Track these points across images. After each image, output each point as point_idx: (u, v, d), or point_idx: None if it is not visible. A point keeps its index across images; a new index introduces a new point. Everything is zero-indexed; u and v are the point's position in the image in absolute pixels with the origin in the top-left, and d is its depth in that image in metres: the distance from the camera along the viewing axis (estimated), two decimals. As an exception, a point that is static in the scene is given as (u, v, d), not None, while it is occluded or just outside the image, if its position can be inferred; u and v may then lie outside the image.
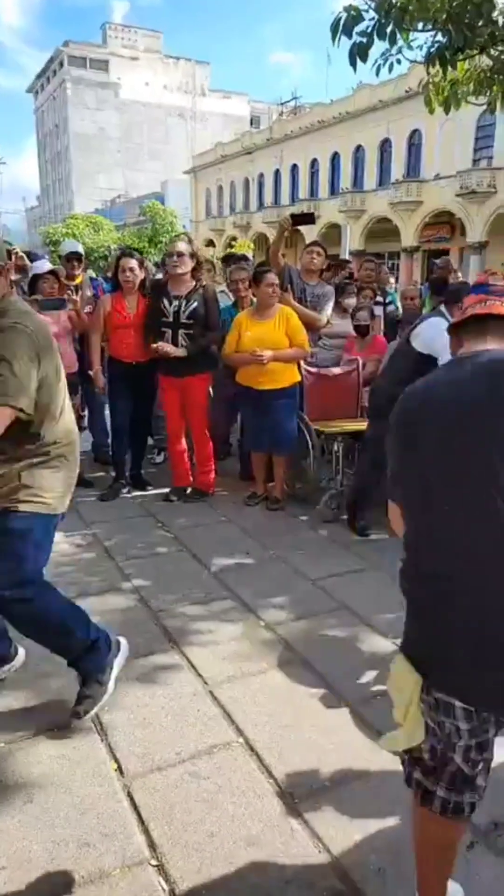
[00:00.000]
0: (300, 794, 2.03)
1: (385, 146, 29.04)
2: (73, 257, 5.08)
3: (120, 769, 2.12)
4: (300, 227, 4.87)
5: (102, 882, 1.74)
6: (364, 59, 5.14)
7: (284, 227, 4.81)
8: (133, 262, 4.50)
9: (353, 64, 5.16)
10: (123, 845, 1.85)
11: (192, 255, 4.40)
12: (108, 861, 1.79)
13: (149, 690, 2.52)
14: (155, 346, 4.34)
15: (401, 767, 1.63)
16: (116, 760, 2.16)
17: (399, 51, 5.40)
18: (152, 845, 1.85)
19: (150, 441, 5.46)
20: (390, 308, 6.22)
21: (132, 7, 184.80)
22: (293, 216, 4.87)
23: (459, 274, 7.31)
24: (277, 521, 4.31)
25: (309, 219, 4.87)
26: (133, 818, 1.94)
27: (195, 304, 4.34)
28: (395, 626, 2.99)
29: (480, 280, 1.68)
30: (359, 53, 5.10)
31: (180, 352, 4.34)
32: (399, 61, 5.46)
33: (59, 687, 2.50)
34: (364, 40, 5.08)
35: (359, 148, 30.43)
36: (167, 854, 1.82)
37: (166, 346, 4.33)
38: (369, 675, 2.64)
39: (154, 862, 1.80)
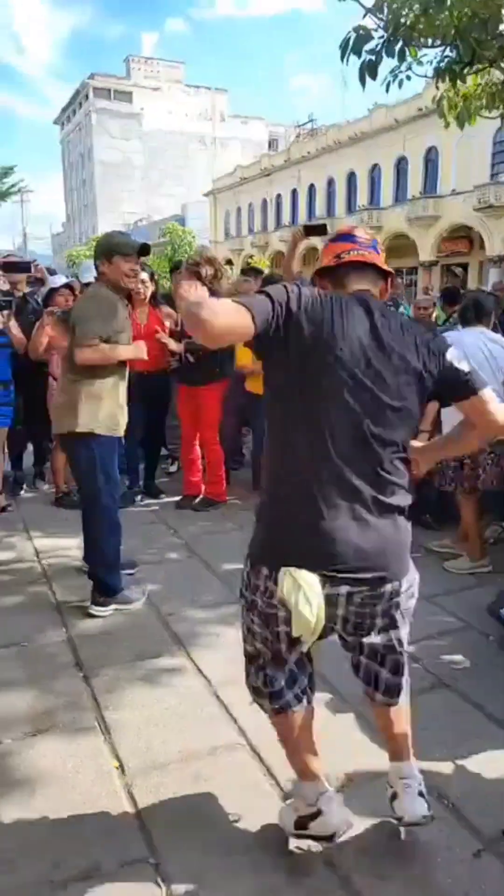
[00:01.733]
0: (303, 795, 2.00)
1: (401, 164, 29.23)
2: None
3: (122, 768, 2.11)
4: (314, 240, 4.95)
5: (101, 879, 1.72)
6: (374, 77, 5.22)
7: (297, 238, 4.83)
8: (144, 276, 4.58)
9: (362, 81, 5.24)
10: (123, 843, 1.83)
11: (196, 272, 4.47)
12: (107, 858, 1.78)
13: (154, 691, 2.51)
14: (157, 335, 4.44)
15: None
16: (119, 759, 2.15)
17: (409, 67, 5.48)
18: (151, 844, 1.83)
19: (164, 451, 5.51)
20: (403, 319, 6.21)
21: (161, 37, 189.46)
22: (305, 227, 4.89)
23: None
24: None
25: (321, 230, 4.90)
26: (133, 817, 1.93)
27: None
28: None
29: (346, 230, 1.82)
30: (368, 71, 5.18)
31: (172, 343, 4.47)
32: (409, 77, 5.54)
33: (62, 686, 2.51)
34: (373, 58, 5.17)
35: (375, 166, 30.68)
36: (166, 853, 1.80)
37: (163, 337, 4.50)
38: (377, 679, 2.59)
39: (152, 861, 1.78)
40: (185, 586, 3.41)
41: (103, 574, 3.12)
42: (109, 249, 3.04)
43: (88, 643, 2.88)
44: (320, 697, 2.45)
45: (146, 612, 3.15)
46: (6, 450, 4.78)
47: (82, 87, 66.19)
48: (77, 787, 2.02)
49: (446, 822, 1.89)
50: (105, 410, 3.05)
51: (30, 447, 5.43)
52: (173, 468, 5.67)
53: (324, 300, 1.57)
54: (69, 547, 3.88)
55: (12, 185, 14.99)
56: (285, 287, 1.58)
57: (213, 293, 4.50)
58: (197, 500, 4.74)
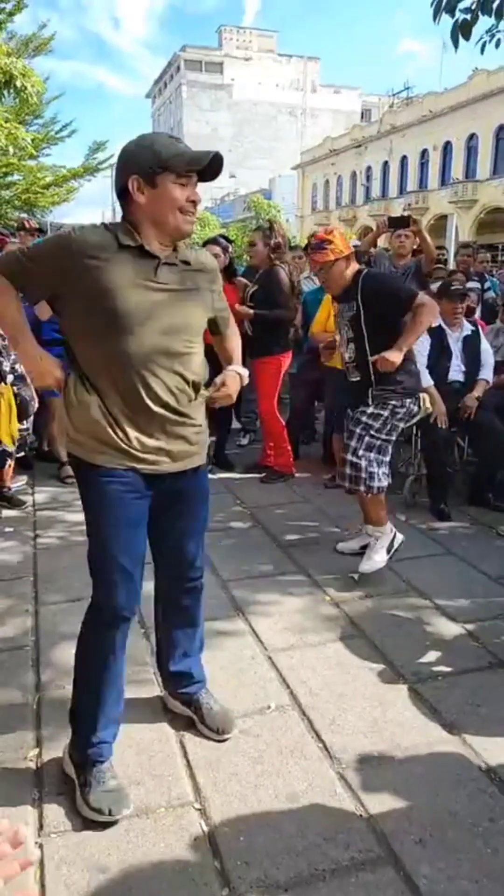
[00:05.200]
0: (347, 760, 2.03)
1: (501, 133, 27.69)
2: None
3: (175, 720, 2.21)
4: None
5: (148, 817, 1.82)
6: (467, 37, 4.94)
7: (381, 228, 4.98)
8: (217, 248, 4.62)
9: (455, 42, 4.97)
10: (171, 787, 1.93)
11: (266, 242, 4.47)
12: (154, 799, 1.88)
13: (209, 652, 2.56)
14: (238, 308, 4.47)
15: (452, 747, 1.61)
16: (170, 711, 2.24)
17: (507, 26, 5.17)
18: (197, 790, 1.92)
19: (237, 424, 5.58)
20: (489, 294, 5.98)
21: (263, 6, 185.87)
22: (390, 219, 5.00)
23: None
24: (355, 505, 4.25)
25: (405, 222, 4.99)
26: (183, 764, 2.02)
27: (255, 287, 4.47)
28: (464, 611, 2.91)
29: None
30: (462, 31, 4.93)
31: (245, 311, 4.43)
32: (507, 37, 5.23)
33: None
34: (468, 17, 4.91)
35: (472, 136, 29.22)
36: (210, 799, 1.88)
37: (239, 308, 4.43)
38: (431, 656, 2.57)
39: (197, 805, 1.87)
40: (246, 554, 3.48)
41: None
42: (156, 161, 1.68)
43: (148, 603, 2.99)
44: (374, 668, 2.48)
45: (206, 576, 3.24)
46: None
47: (174, 60, 66.43)
48: (132, 733, 2.13)
49: (491, 795, 1.88)
50: None
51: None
52: (245, 441, 5.74)
53: None
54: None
55: (102, 161, 15.24)
56: None
57: (276, 262, 4.55)
58: (264, 472, 4.79)
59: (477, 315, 5.36)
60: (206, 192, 58.69)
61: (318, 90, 67.71)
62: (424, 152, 32.56)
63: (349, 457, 3.13)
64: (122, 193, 1.75)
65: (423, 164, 32.81)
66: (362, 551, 3.33)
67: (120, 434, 1.77)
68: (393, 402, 3.12)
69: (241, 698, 2.31)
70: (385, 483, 3.20)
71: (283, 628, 2.78)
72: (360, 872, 1.65)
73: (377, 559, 3.19)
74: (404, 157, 34.17)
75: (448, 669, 2.49)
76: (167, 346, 1.76)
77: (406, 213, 4.83)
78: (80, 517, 1.95)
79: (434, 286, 4.95)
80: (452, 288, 4.25)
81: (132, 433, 1.78)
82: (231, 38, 67.20)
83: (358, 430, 3.13)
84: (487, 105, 27.43)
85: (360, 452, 3.11)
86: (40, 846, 1.72)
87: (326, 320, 4.41)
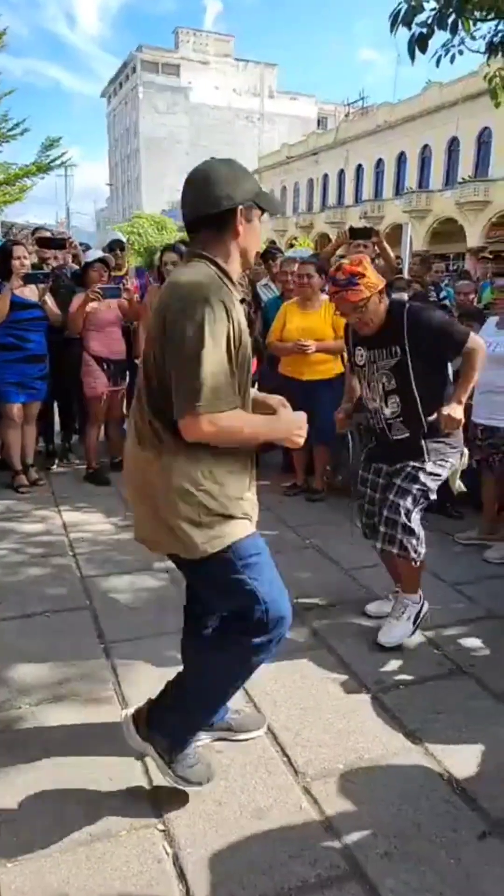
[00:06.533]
0: (312, 773, 2.02)
1: (453, 145, 28.42)
2: (116, 245, 5.29)
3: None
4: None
5: (109, 841, 1.77)
6: (423, 51, 5.06)
7: (341, 240, 4.99)
8: (174, 256, 4.59)
9: (411, 55, 5.09)
10: (133, 808, 1.88)
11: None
12: (116, 822, 1.83)
13: (172, 667, 2.54)
14: None
15: (415, 756, 1.67)
16: (133, 728, 2.19)
17: (461, 41, 5.30)
18: (160, 810, 1.87)
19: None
20: (443, 303, 6.09)
21: (225, 8, 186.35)
22: (352, 230, 4.98)
23: None
24: (316, 512, 4.29)
25: (367, 233, 5.00)
26: (144, 783, 1.97)
27: None
28: (426, 616, 2.93)
29: (331, 272, 2.62)
30: (418, 44, 5.03)
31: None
32: (461, 52, 5.36)
33: (82, 656, 2.57)
34: (424, 31, 5.01)
35: (426, 147, 29.90)
36: (174, 819, 1.84)
37: None
38: (393, 665, 2.59)
39: (161, 826, 1.82)
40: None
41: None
42: (256, 194, 1.66)
43: (111, 615, 2.94)
44: (337, 678, 2.48)
45: (169, 586, 3.20)
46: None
47: (130, 60, 65.87)
48: (91, 752, 2.08)
49: (454, 805, 1.90)
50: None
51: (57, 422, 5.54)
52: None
53: None
54: (95, 522, 3.99)
55: (55, 159, 14.94)
56: None
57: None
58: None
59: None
60: (162, 195, 58.59)
61: (276, 96, 68.22)
62: (380, 162, 33.16)
63: (401, 519, 2.59)
64: (215, 218, 1.62)
65: (379, 174, 33.40)
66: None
67: None
68: (451, 460, 2.71)
69: (204, 713, 2.28)
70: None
71: (245, 639, 2.75)
72: (326, 889, 1.64)
73: (399, 633, 2.72)
74: (360, 166, 34.72)
75: (409, 678, 2.51)
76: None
77: (368, 225, 4.88)
78: (38, 527, 1.90)
79: (396, 295, 5.03)
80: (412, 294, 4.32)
81: None
82: (188, 41, 67.07)
83: (415, 491, 2.62)
84: (440, 117, 28.12)
85: (414, 516, 2.62)
86: (-3, 877, 1.65)
87: (282, 330, 4.42)
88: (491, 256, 7.81)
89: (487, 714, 2.31)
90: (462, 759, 2.08)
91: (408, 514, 2.60)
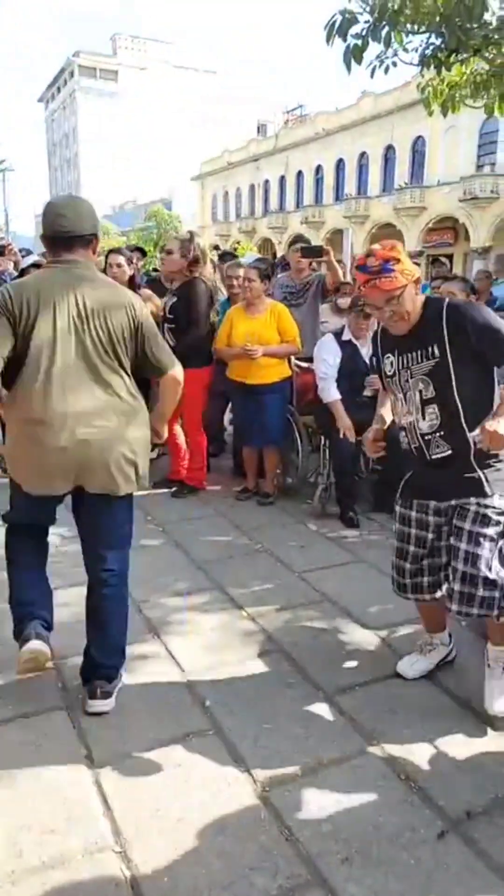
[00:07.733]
0: (271, 782, 1.99)
1: (389, 153, 29.14)
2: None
3: (90, 755, 2.09)
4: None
5: (64, 867, 1.70)
6: (359, 61, 5.17)
7: (295, 259, 5.04)
8: (120, 259, 4.53)
9: (347, 65, 5.19)
10: (87, 831, 1.81)
11: (184, 253, 4.39)
12: (70, 846, 1.76)
13: (125, 679, 2.49)
14: None
15: (372, 758, 1.67)
16: (87, 747, 2.13)
17: (395, 53, 5.42)
18: (117, 832, 1.82)
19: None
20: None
21: (160, 13, 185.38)
22: (303, 249, 5.00)
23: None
24: (267, 515, 4.28)
25: (318, 252, 5.01)
26: (99, 804, 1.91)
27: (175, 299, 4.37)
28: (377, 618, 2.97)
29: (360, 260, 2.14)
30: (354, 55, 5.13)
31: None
32: (395, 64, 5.48)
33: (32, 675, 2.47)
34: (359, 42, 5.11)
35: (363, 154, 30.55)
36: (131, 840, 1.79)
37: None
38: (348, 666, 2.60)
39: (118, 849, 1.77)
40: (159, 573, 3.39)
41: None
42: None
43: (59, 630, 2.84)
44: (293, 683, 2.47)
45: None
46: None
47: (67, 65, 64.97)
48: (43, 775, 2.00)
49: (412, 804, 1.91)
50: None
51: None
52: (153, 454, 5.62)
53: None
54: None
55: (-7, 165, 14.60)
56: None
57: (197, 275, 4.50)
58: (175, 487, 4.71)
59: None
60: (105, 198, 57.86)
61: (215, 102, 68.44)
62: (319, 168, 33.68)
63: (482, 572, 2.15)
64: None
65: (319, 180, 33.92)
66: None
67: None
68: None
69: (161, 727, 2.23)
70: None
71: (200, 648, 2.72)
72: (289, 900, 1.62)
73: None
74: (300, 172, 35.17)
75: (364, 679, 2.52)
76: None
77: (319, 245, 4.93)
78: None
79: (341, 301, 5.10)
80: (360, 303, 4.37)
81: None
82: (126, 47, 66.63)
83: (490, 533, 2.18)
84: (376, 126, 28.79)
85: (494, 564, 2.17)
86: None
87: (228, 336, 4.40)
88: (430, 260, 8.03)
89: (441, 711, 2.34)
90: (419, 759, 2.09)
91: (488, 565, 2.16)
